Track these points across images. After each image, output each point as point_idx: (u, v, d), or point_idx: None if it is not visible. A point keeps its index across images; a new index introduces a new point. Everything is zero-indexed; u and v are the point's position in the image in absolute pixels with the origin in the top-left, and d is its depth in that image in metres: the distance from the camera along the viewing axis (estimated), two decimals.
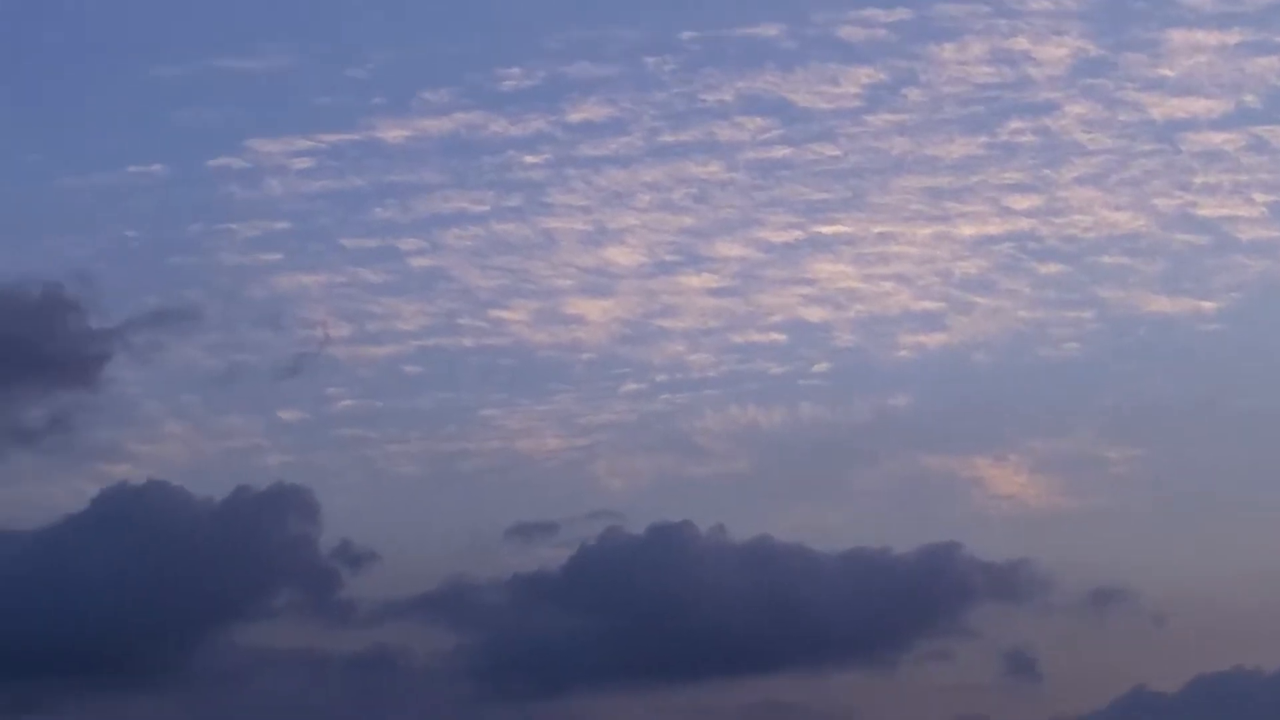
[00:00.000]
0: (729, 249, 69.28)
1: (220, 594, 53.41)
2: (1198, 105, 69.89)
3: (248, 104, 75.00)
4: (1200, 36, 69.87)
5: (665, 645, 53.56)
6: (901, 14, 70.50)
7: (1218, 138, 69.73)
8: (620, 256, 68.96)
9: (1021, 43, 70.42)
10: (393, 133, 70.92)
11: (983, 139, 70.52)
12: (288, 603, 55.02)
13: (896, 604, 54.98)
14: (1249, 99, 69.91)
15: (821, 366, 68.11)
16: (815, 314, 68.56)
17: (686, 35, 72.17)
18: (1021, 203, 69.66)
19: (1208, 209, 69.52)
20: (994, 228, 69.96)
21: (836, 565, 55.71)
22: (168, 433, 63.19)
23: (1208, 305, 68.55)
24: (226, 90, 74.04)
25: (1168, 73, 70.32)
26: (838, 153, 70.07)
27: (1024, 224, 69.68)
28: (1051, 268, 69.71)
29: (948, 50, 70.76)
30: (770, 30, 71.59)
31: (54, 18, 77.97)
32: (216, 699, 53.62)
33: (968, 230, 69.73)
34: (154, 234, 69.66)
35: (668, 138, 70.70)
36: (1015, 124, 70.27)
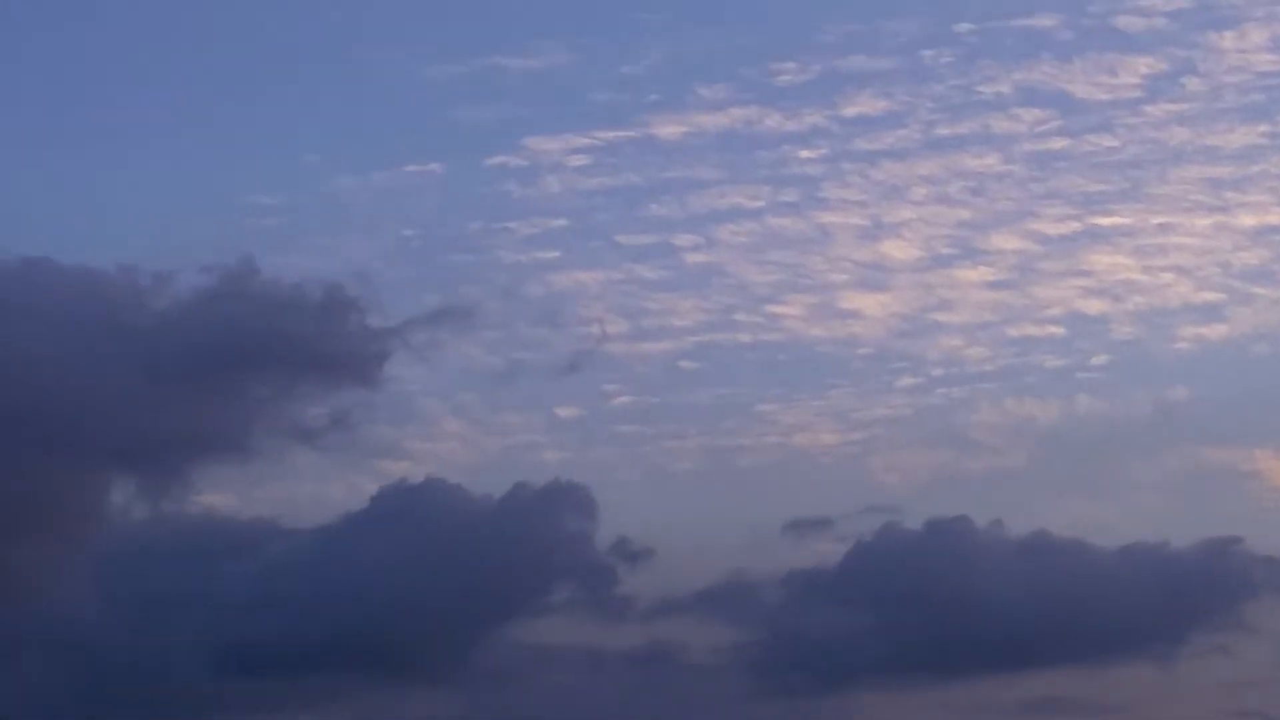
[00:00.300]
0: (1005, 242, 69.50)
1: (498, 590, 54.14)
2: None
3: (525, 102, 75.69)
4: None
5: (942, 640, 53.64)
6: (1180, 2, 70.68)
7: None
8: (896, 250, 69.41)
9: None
10: (668, 129, 71.45)
11: (1263, 128, 70.24)
12: (565, 599, 55.37)
13: (1175, 599, 54.72)
14: None
15: (1100, 359, 68.40)
16: (1093, 306, 68.95)
17: (962, 28, 72.11)
18: None
19: None
20: (1275, 217, 70.01)
21: (1114, 560, 55.56)
22: (446, 430, 64.97)
23: None
24: (503, 89, 75.12)
25: None
26: (1116, 143, 70.19)
27: None
28: None
29: (1227, 39, 70.68)
30: (1047, 21, 71.74)
31: (329, 21, 79.79)
32: (494, 694, 54.72)
33: (1248, 220, 69.59)
34: (433, 233, 71.25)
35: (944, 131, 70.99)
36: None
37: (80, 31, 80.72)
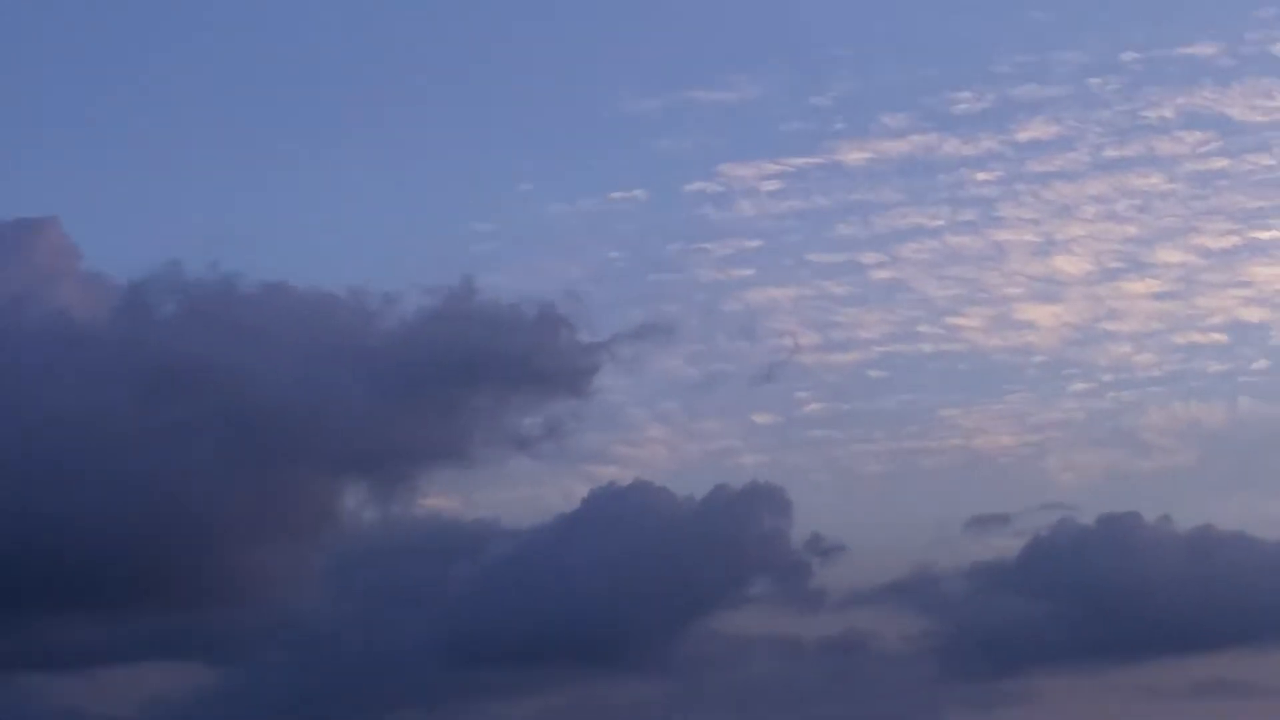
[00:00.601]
0: (1170, 255, 73.76)
1: (700, 585, 57.74)
2: None
3: (720, 132, 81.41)
4: None
5: (1115, 627, 56.83)
6: None
7: None
8: (1068, 265, 73.93)
9: None
10: (853, 155, 76.32)
11: None
12: (762, 592, 59.25)
13: None
14: None
15: (1260, 364, 73.46)
16: (1254, 314, 73.34)
17: (1128, 56, 76.67)
18: None
19: None
20: None
21: (1276, 551, 58.35)
22: (651, 437, 69.95)
23: None
24: (700, 119, 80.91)
25: None
26: (1273, 162, 74.23)
27: None
28: None
29: None
30: (1208, 49, 75.90)
31: (538, 62, 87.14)
32: (697, 681, 58.72)
33: None
34: (636, 254, 76.79)
35: (1111, 153, 75.23)
36: None
37: (315, 73, 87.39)
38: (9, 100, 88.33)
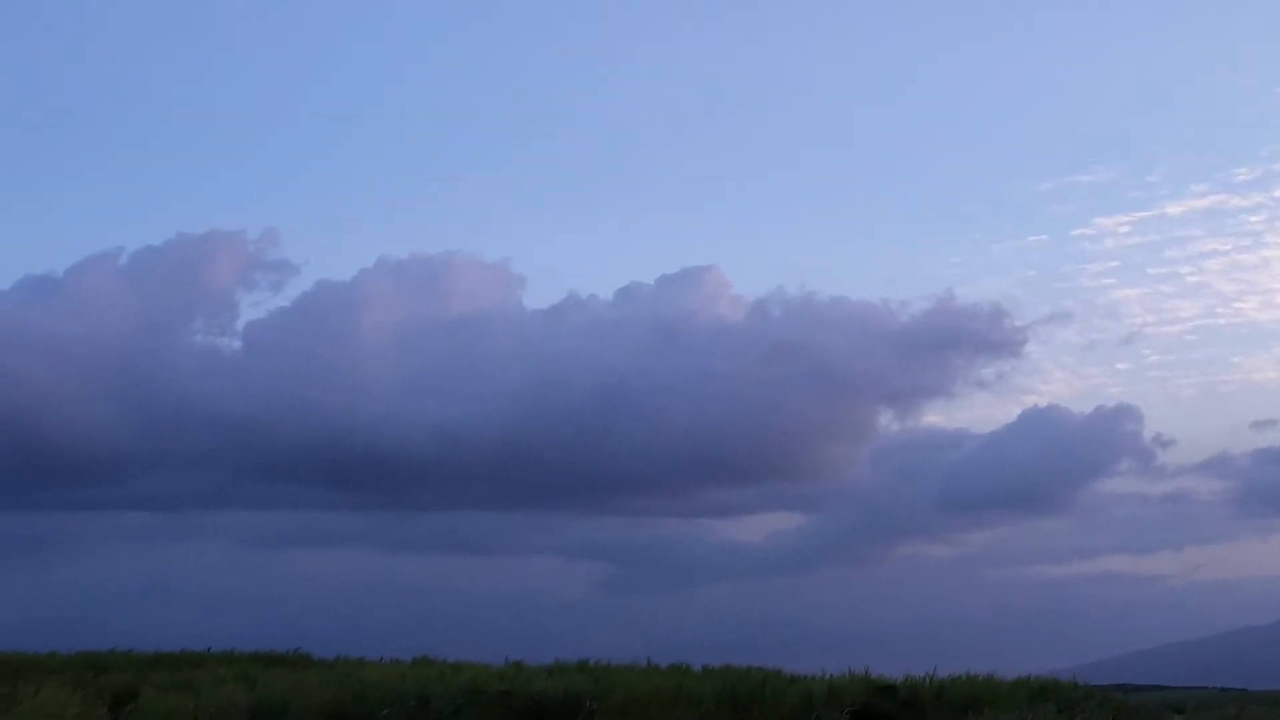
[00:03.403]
0: None
1: (1091, 464, 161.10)
2: None
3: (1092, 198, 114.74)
4: None
5: None
6: None
7: None
8: None
9: None
10: (1172, 209, 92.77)
11: None
12: (1126, 467, 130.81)
13: None
14: None
15: None
16: None
17: None
18: None
19: None
20: None
21: None
22: (1057, 379, 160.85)
23: None
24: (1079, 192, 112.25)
25: None
26: None
27: None
28: None
29: None
30: None
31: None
32: (1089, 520, 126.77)
33: None
34: (1044, 272, 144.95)
35: None
36: None
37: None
38: None
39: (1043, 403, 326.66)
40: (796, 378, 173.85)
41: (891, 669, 34.01)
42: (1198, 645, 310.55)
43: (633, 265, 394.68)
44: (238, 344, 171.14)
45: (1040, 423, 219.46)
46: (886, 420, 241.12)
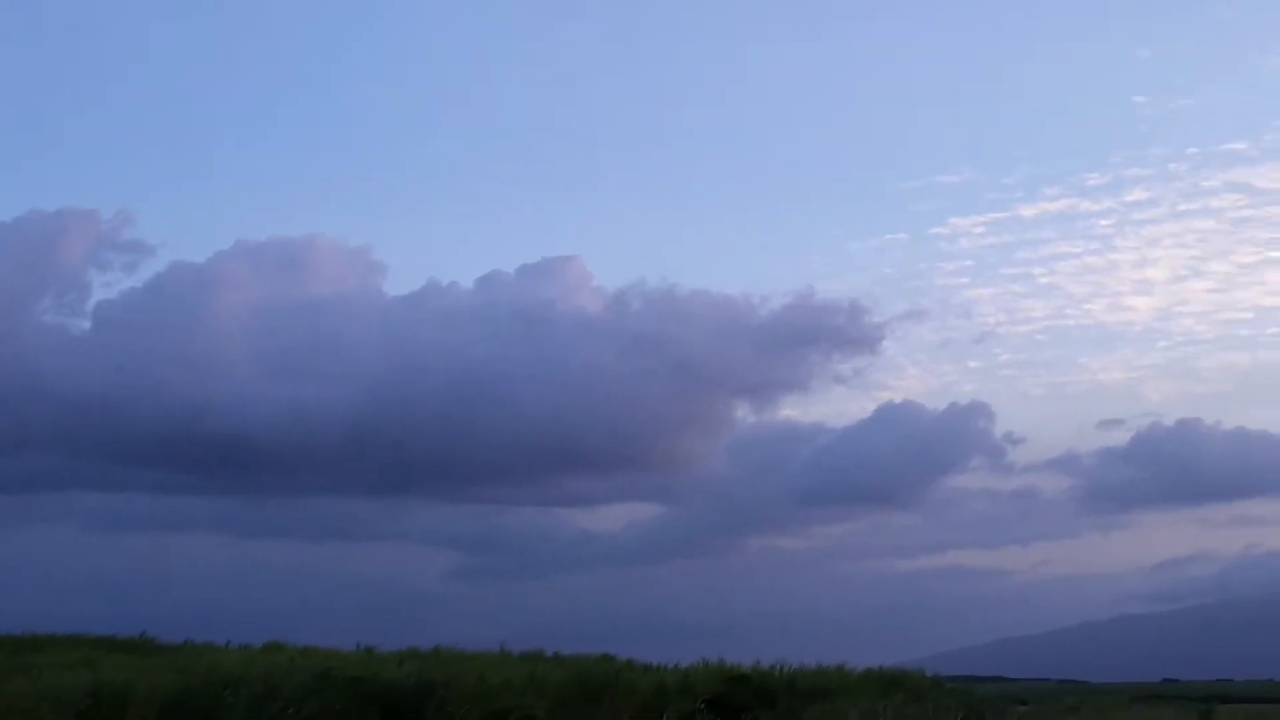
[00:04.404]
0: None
1: (940, 460, 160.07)
2: None
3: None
4: None
5: None
6: None
7: None
8: (1155, 273, 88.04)
9: None
10: (1026, 211, 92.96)
11: None
12: (977, 464, 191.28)
13: None
14: None
15: None
16: None
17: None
18: None
19: None
20: None
21: None
22: (911, 374, 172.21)
23: None
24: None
25: None
26: None
27: None
28: None
29: None
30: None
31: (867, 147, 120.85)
32: (937, 516, 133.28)
33: None
34: (902, 270, 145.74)
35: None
36: None
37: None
38: None
39: (898, 399, 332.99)
40: (655, 369, 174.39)
41: (744, 659, 34.24)
42: (1041, 639, 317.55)
43: (494, 254, 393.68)
44: (87, 324, 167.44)
45: (895, 418, 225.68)
46: (744, 413, 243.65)
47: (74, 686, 27.12)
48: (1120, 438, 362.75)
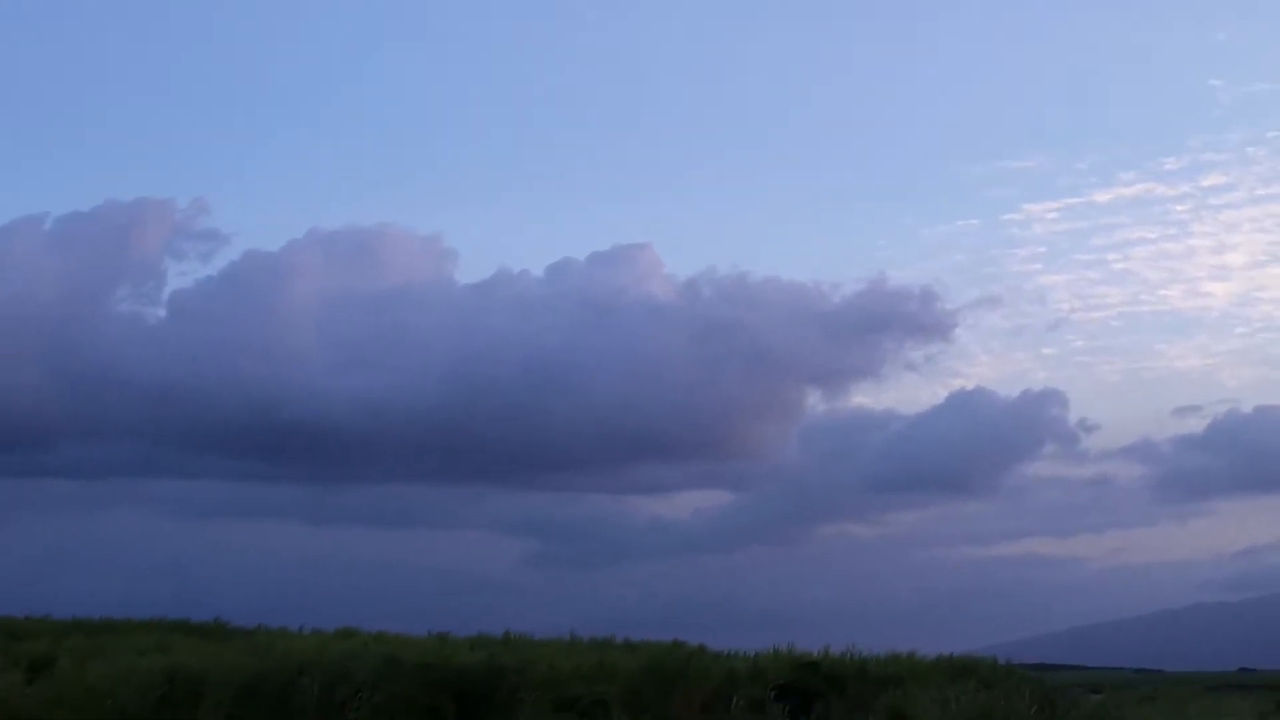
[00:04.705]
0: None
1: (1016, 447, 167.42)
2: None
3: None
4: None
5: None
6: None
7: None
8: (1234, 258, 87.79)
9: None
10: (1100, 197, 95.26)
11: None
12: (1051, 451, 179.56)
13: None
14: None
15: None
16: None
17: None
18: None
19: None
20: None
21: None
22: (984, 362, 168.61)
23: None
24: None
25: None
26: None
27: None
28: None
29: None
30: None
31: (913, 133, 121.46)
32: (1013, 502, 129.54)
33: None
34: (976, 256, 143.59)
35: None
36: None
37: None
38: None
39: (969, 385, 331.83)
40: (726, 357, 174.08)
41: (815, 647, 34.16)
42: (1115, 627, 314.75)
43: (565, 242, 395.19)
44: (163, 313, 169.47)
45: (967, 405, 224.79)
46: (815, 400, 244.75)
47: (150, 670, 27.49)
48: (1197, 425, 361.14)
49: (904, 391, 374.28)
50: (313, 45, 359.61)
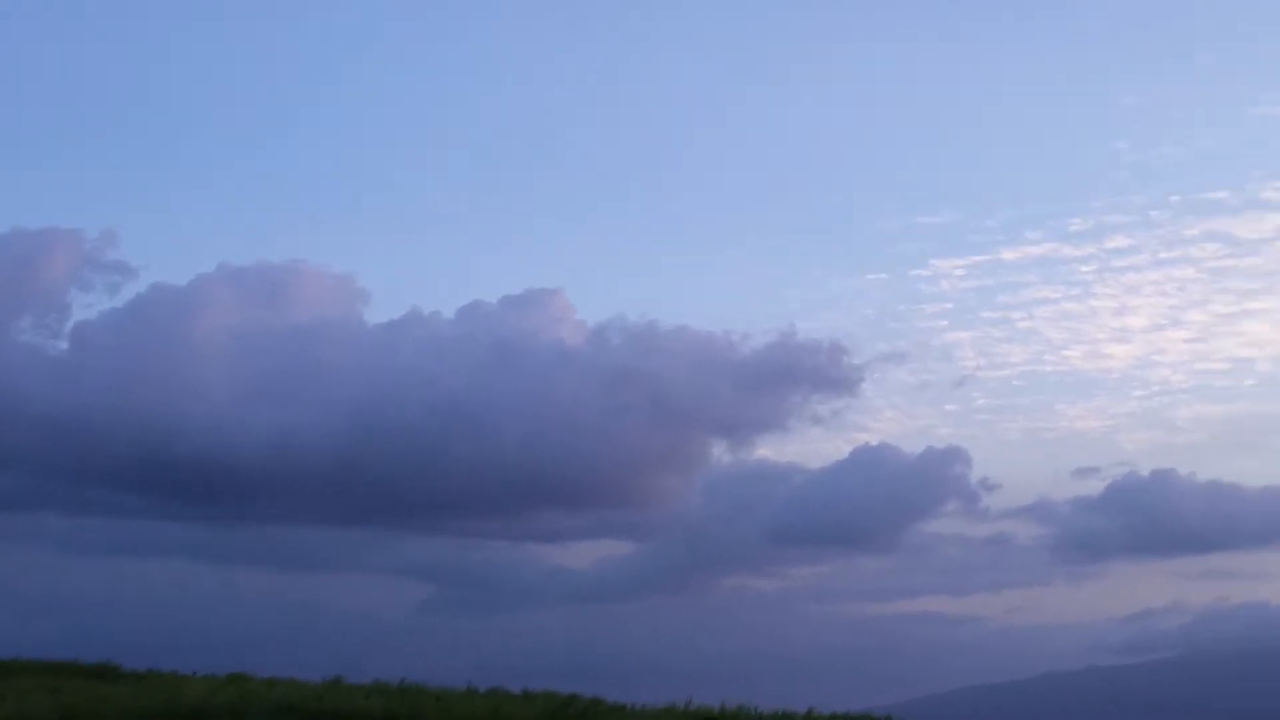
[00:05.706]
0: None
1: (917, 504, 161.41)
2: None
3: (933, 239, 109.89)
4: None
5: None
6: None
7: None
8: (1133, 321, 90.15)
9: None
10: (1007, 255, 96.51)
11: None
12: (952, 509, 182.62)
13: None
14: None
15: None
16: None
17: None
18: None
19: None
20: None
21: None
22: (889, 417, 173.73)
23: None
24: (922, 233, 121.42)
25: None
26: None
27: None
28: None
29: None
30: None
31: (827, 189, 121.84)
32: (912, 559, 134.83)
33: None
34: (882, 311, 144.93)
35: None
36: None
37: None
38: None
39: (874, 441, 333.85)
40: (634, 405, 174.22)
41: (713, 700, 34.16)
42: (1009, 688, 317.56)
43: (477, 284, 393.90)
44: (65, 345, 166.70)
45: (871, 461, 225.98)
46: (720, 452, 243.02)
47: (38, 712, 26.96)
48: (1095, 486, 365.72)
49: (809, 445, 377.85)
50: (230, 82, 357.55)
